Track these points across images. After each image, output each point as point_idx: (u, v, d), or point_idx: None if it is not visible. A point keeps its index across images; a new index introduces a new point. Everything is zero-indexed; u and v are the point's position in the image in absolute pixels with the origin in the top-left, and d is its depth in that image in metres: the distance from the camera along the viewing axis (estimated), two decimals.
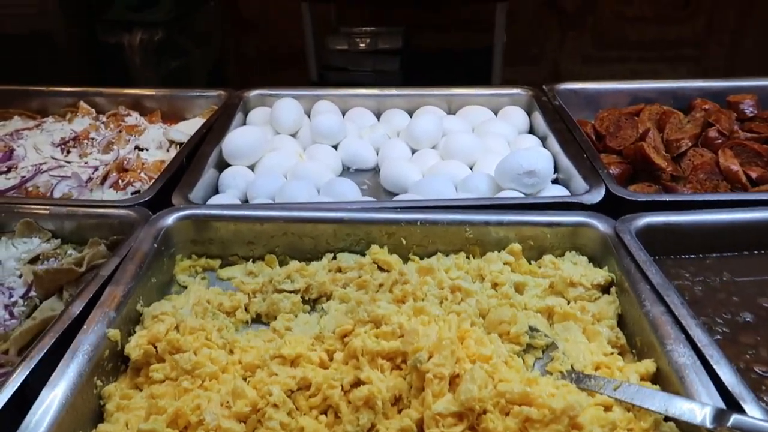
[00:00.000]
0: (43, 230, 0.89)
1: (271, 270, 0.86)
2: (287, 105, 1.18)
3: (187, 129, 1.20)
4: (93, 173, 1.06)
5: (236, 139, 1.06)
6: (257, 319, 0.80)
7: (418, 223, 0.85)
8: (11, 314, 0.76)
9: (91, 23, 3.19)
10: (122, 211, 0.88)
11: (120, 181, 1.05)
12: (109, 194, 1.03)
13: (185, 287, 0.83)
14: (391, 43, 3.32)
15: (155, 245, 0.80)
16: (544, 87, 1.28)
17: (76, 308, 0.69)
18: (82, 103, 1.30)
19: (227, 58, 4.02)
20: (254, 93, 1.28)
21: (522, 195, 0.95)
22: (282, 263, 0.87)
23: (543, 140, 1.14)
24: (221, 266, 0.88)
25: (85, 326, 0.66)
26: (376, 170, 1.13)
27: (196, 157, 1.02)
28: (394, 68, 3.35)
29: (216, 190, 1.03)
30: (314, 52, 3.31)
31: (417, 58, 3.42)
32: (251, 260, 0.87)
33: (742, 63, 3.58)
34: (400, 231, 0.85)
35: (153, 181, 0.95)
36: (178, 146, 1.17)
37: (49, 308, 0.76)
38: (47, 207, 0.90)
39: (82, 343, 0.64)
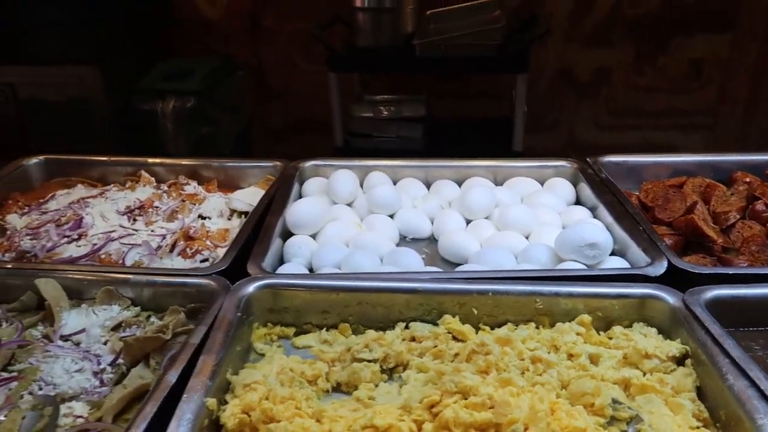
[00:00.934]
0: (122, 298, 0.92)
1: (346, 338, 0.88)
2: (344, 176, 1.23)
3: (246, 198, 1.25)
4: (161, 241, 1.10)
5: (299, 210, 1.11)
6: (337, 388, 0.81)
7: (490, 294, 0.87)
8: (101, 381, 0.78)
9: (128, 91, 3.34)
10: (201, 280, 0.91)
11: (188, 249, 1.08)
12: (177, 262, 1.06)
13: (262, 355, 0.85)
14: (415, 111, 3.44)
15: (239, 314, 0.82)
16: (588, 159, 1.33)
17: (172, 377, 0.71)
18: (143, 172, 1.36)
19: (252, 126, 4.16)
20: (309, 164, 1.33)
21: (583, 266, 0.98)
22: (355, 332, 0.89)
23: (592, 211, 1.18)
24: (295, 334, 0.90)
25: (185, 395, 0.68)
26: (430, 239, 1.16)
27: (263, 227, 1.05)
28: (417, 135, 3.45)
29: (281, 259, 1.06)
30: (340, 120, 3.42)
31: (439, 125, 3.52)
32: (325, 328, 0.90)
33: (755, 132, 3.67)
34: (471, 301, 0.88)
35: (226, 250, 0.99)
36: (239, 215, 1.21)
37: (138, 376, 0.78)
38: (127, 275, 0.93)
39: (185, 411, 0.66)
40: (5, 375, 0.79)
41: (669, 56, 3.70)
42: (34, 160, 1.39)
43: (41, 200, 1.31)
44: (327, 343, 0.87)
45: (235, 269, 0.95)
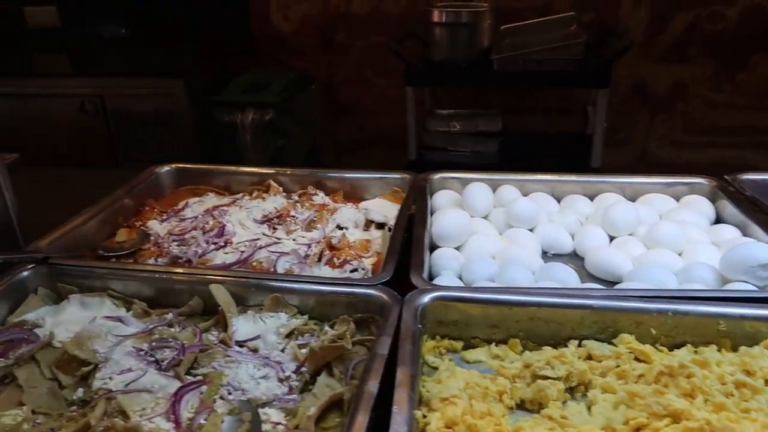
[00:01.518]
0: (288, 305, 0.93)
1: (518, 355, 0.87)
2: (480, 189, 1.23)
3: (378, 209, 1.26)
4: (308, 250, 1.11)
5: (445, 223, 1.10)
6: (520, 406, 0.79)
7: (670, 314, 0.85)
8: (290, 389, 0.79)
9: (208, 103, 3.44)
10: (370, 290, 0.91)
11: (335, 259, 1.09)
12: (326, 271, 1.07)
13: (434, 368, 0.85)
14: (490, 126, 3.42)
15: (418, 325, 0.82)
16: (726, 177, 1.29)
17: (373, 387, 0.71)
18: (271, 182, 1.38)
19: (322, 139, 4.22)
20: (438, 176, 1.33)
21: (753, 287, 0.94)
22: (524, 348, 0.88)
23: (742, 230, 1.14)
24: (463, 348, 0.89)
25: (395, 407, 0.68)
26: (571, 255, 1.14)
27: (414, 239, 1.05)
28: (493, 150, 3.44)
29: (429, 271, 1.06)
30: (415, 133, 3.43)
31: (513, 140, 3.50)
32: (494, 343, 0.89)
33: None
34: (650, 320, 0.85)
35: (377, 261, 0.99)
36: (377, 226, 1.21)
37: (325, 385, 0.79)
38: (294, 283, 0.94)
39: (399, 424, 0.65)
40: (192, 378, 0.81)
41: (747, 73, 3.60)
42: (165, 169, 1.43)
43: (175, 207, 1.35)
44: (498, 358, 0.86)
45: (392, 280, 0.95)
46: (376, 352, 0.77)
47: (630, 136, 3.83)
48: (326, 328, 0.89)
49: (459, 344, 0.89)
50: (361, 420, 0.66)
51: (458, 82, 3.44)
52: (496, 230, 1.18)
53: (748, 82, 3.54)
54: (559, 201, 1.29)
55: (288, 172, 1.42)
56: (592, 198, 1.28)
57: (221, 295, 0.93)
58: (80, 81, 3.31)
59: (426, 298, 0.87)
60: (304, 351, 0.85)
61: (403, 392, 0.70)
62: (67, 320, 0.94)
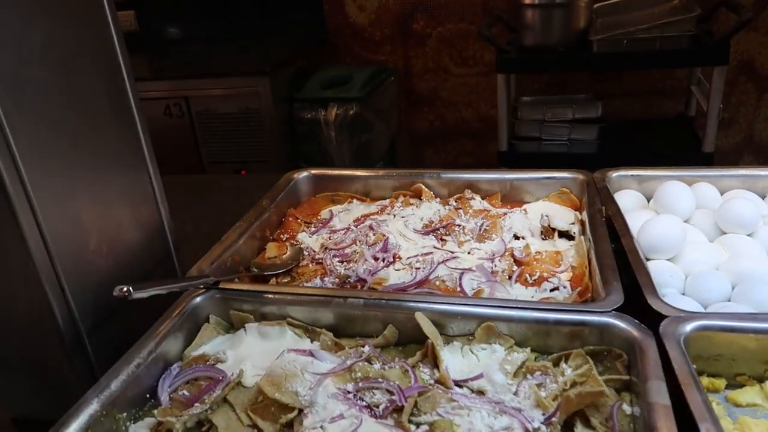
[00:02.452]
0: (504, 336, 0.80)
1: None
2: (680, 189, 1.06)
3: (550, 214, 1.11)
4: (492, 265, 0.98)
5: (659, 231, 0.95)
6: None
7: None
8: None
9: (291, 101, 3.37)
10: (605, 319, 0.76)
11: (527, 275, 0.95)
12: (519, 290, 0.93)
13: None
14: (588, 112, 3.22)
15: (693, 366, 0.67)
16: None
17: None
18: (422, 186, 1.25)
19: (402, 132, 4.10)
20: (616, 174, 1.17)
21: None
22: None
23: None
24: (726, 387, 0.74)
25: None
26: None
27: (628, 251, 0.90)
28: (592, 137, 3.23)
29: None
30: (507, 123, 3.27)
31: (614, 127, 3.29)
32: (766, 381, 0.73)
33: None
34: None
35: (604, 280, 0.84)
36: (555, 234, 1.07)
37: None
38: (512, 310, 0.80)
39: None
40: (417, 429, 0.68)
41: None
42: (302, 175, 1.32)
43: (320, 217, 1.24)
44: None
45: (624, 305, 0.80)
46: (654, 402, 0.63)
47: (735, 117, 3.54)
48: (564, 366, 0.74)
49: (721, 383, 0.74)
50: None
51: (555, 68, 3.25)
52: (704, 236, 1.02)
53: None
54: (763, 198, 1.11)
55: (435, 175, 1.29)
56: None
57: (427, 325, 0.80)
58: (164, 84, 3.29)
59: (688, 328, 0.72)
60: (543, 393, 0.71)
61: None
62: (249, 354, 0.84)
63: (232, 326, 0.91)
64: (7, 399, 0.86)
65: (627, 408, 0.69)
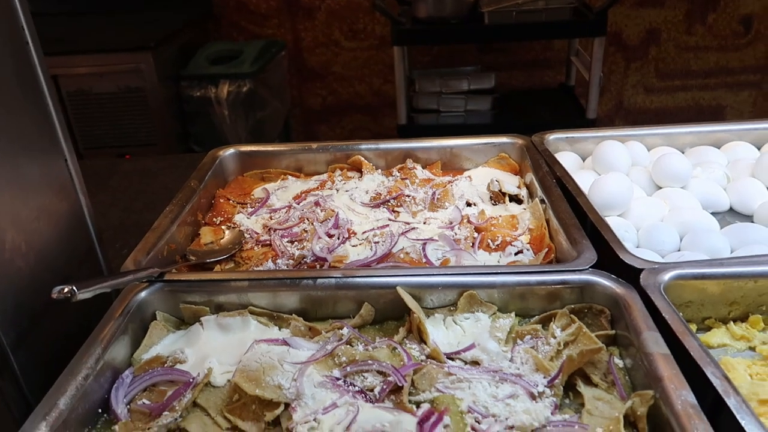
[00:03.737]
0: (486, 304, 0.78)
1: (762, 333, 0.76)
2: (616, 148, 1.10)
3: (502, 179, 1.11)
4: (454, 234, 0.95)
5: (610, 189, 0.97)
6: None
7: None
8: (555, 407, 0.64)
9: (177, 78, 3.14)
10: (584, 276, 0.77)
11: (489, 241, 0.94)
12: (483, 257, 0.92)
13: None
14: (483, 83, 3.31)
15: (679, 313, 0.69)
16: None
17: (689, 397, 0.58)
18: (362, 158, 1.20)
19: (295, 109, 3.99)
20: (552, 137, 1.19)
21: None
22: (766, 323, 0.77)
23: None
24: (697, 331, 0.78)
25: (741, 417, 0.55)
26: (728, 213, 1.04)
27: (587, 210, 0.91)
28: (486, 108, 3.33)
29: None
30: (405, 96, 3.27)
31: (506, 97, 3.41)
32: (731, 322, 0.77)
33: None
34: None
35: (571, 239, 0.84)
36: (506, 198, 1.06)
37: (595, 398, 0.65)
38: (491, 276, 0.78)
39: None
40: (421, 409, 0.64)
41: (719, 13, 3.64)
42: (228, 152, 1.21)
43: (252, 196, 1.15)
44: (744, 339, 0.75)
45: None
46: (654, 352, 0.64)
47: (606, 85, 3.82)
48: (553, 327, 0.74)
49: (692, 328, 0.77)
50: None
51: (450, 40, 3.28)
52: (642, 191, 1.06)
53: (720, 22, 3.58)
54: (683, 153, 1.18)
55: (372, 147, 1.23)
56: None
57: (409, 299, 0.76)
58: None
59: (666, 278, 0.74)
60: (540, 357, 0.70)
61: (737, 402, 0.57)
62: (212, 350, 0.75)
63: (183, 322, 0.81)
64: None
65: (619, 361, 0.70)
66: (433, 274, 0.79)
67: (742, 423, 0.54)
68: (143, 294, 0.78)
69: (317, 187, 1.14)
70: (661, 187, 1.06)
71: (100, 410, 0.67)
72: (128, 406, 0.67)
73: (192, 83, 3.15)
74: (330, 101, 4.12)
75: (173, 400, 0.66)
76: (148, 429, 0.63)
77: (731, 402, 0.56)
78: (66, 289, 0.63)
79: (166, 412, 0.65)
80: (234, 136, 3.25)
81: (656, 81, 3.82)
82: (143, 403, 0.67)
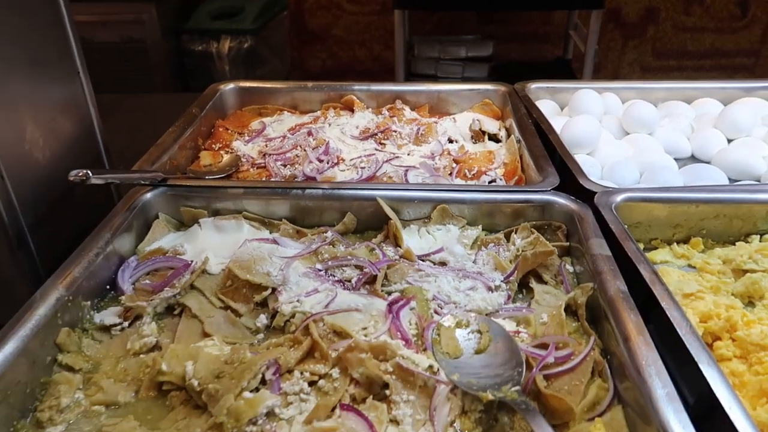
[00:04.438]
0: (456, 217, 0.87)
1: (702, 253, 0.85)
2: (590, 96, 1.18)
3: (486, 121, 1.19)
4: (434, 163, 1.04)
5: (580, 129, 1.05)
6: None
7: None
8: (508, 297, 0.73)
9: (178, 32, 3.16)
10: (546, 197, 0.85)
11: (466, 170, 1.02)
12: (460, 184, 1.00)
13: None
14: (481, 51, 3.36)
15: (626, 227, 0.78)
16: None
17: (621, 286, 0.67)
18: (354, 98, 1.27)
19: (294, 71, 4.02)
20: (535, 86, 1.27)
21: None
22: (705, 246, 0.86)
23: None
24: (644, 249, 0.86)
25: (665, 304, 0.64)
26: (690, 159, 1.13)
27: (557, 146, 1.00)
28: (483, 75, 3.39)
29: None
30: (404, 61, 3.32)
31: (503, 66, 3.46)
32: (674, 243, 0.86)
33: None
34: None
35: (538, 168, 0.93)
36: (486, 136, 1.15)
37: (544, 291, 0.74)
38: (464, 193, 0.87)
39: (679, 320, 0.62)
40: (397, 296, 0.73)
41: None
42: (228, 87, 1.28)
43: (251, 128, 1.22)
44: (684, 257, 0.84)
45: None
46: (597, 254, 0.73)
47: (603, 61, 3.87)
48: (514, 236, 0.82)
49: (639, 246, 0.86)
50: (635, 319, 0.62)
51: (450, 6, 3.33)
52: (612, 135, 1.14)
53: (717, 4, 3.63)
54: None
55: (364, 88, 1.31)
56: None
57: (388, 208, 0.84)
58: None
59: (618, 199, 0.82)
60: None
61: (661, 290, 0.66)
62: (209, 246, 0.83)
63: (183, 224, 0.90)
64: None
65: (570, 268, 0.79)
66: (411, 189, 0.88)
67: (666, 309, 0.63)
68: (148, 195, 0.86)
69: (311, 122, 1.22)
70: (628, 134, 1.14)
71: (108, 287, 0.76)
72: (133, 285, 0.76)
73: (193, 37, 3.19)
74: (329, 64, 4.15)
75: (173, 278, 0.75)
76: (151, 300, 0.72)
77: (657, 290, 0.65)
78: (81, 173, 0.71)
79: (167, 288, 0.73)
80: None
81: (652, 60, 3.88)
82: (146, 283, 0.76)
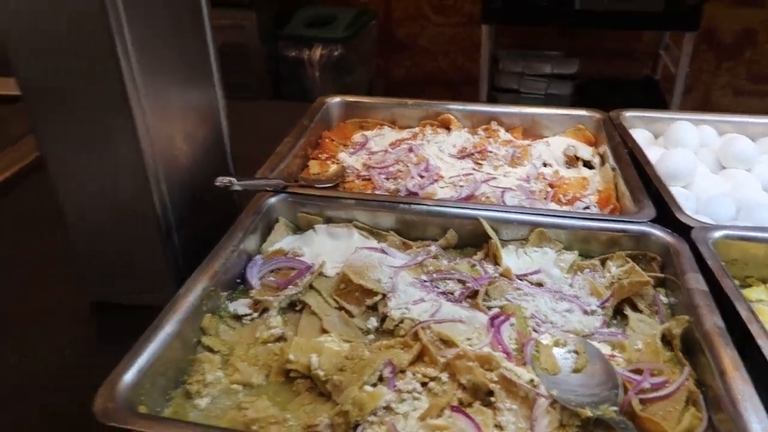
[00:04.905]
0: (554, 241, 0.92)
1: None
2: (689, 128, 1.20)
3: (581, 148, 1.23)
4: (530, 186, 1.09)
5: (676, 161, 1.08)
6: None
7: None
8: (603, 322, 0.78)
9: (275, 38, 3.32)
10: (644, 228, 0.89)
11: (561, 196, 1.07)
12: (553, 208, 1.05)
13: None
14: (566, 68, 3.35)
15: (722, 263, 0.81)
16: None
17: (718, 321, 0.70)
18: (451, 116, 1.34)
19: (378, 78, 4.13)
20: (629, 114, 1.29)
21: None
22: None
23: None
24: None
25: (761, 342, 0.67)
26: None
27: (652, 177, 1.03)
28: (566, 93, 3.37)
29: None
30: (488, 74, 3.35)
31: (589, 84, 3.43)
32: None
33: None
34: None
35: (634, 199, 0.96)
36: (580, 162, 1.19)
37: (638, 320, 0.78)
38: (561, 218, 0.92)
39: None
40: (497, 311, 0.80)
41: None
42: (335, 100, 1.38)
43: (353, 140, 1.31)
44: None
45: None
46: (693, 288, 0.76)
47: (695, 83, 3.76)
48: (609, 264, 0.87)
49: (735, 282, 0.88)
50: (731, 354, 0.65)
51: (538, 21, 3.34)
52: (708, 170, 1.16)
53: None
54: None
55: (459, 107, 1.37)
56: None
57: (488, 228, 0.91)
58: None
59: (715, 235, 0.85)
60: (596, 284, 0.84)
61: (758, 328, 0.69)
62: (323, 250, 0.92)
63: (299, 228, 0.99)
64: (88, 284, 0.91)
65: (664, 299, 0.83)
66: (510, 212, 0.94)
67: (762, 347, 0.66)
68: (271, 200, 0.96)
69: (410, 138, 1.30)
70: (726, 168, 1.15)
71: (238, 281, 0.86)
72: (260, 281, 0.86)
73: (288, 43, 3.35)
74: (412, 73, 4.24)
75: (297, 278, 0.84)
76: (277, 296, 0.81)
77: (753, 328, 0.68)
78: (226, 180, 0.82)
79: (291, 286, 0.83)
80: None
81: (747, 84, 3.74)
82: (271, 280, 0.86)
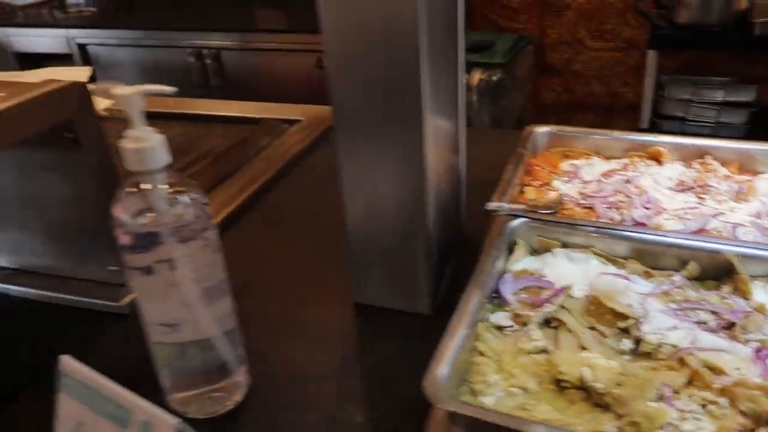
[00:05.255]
0: None
1: None
2: None
3: None
4: (763, 224, 1.09)
5: None
6: None
7: None
8: None
9: None
10: None
11: None
12: None
13: None
14: (742, 95, 3.19)
15: None
16: None
17: None
18: (663, 149, 1.36)
19: (528, 102, 4.16)
20: None
21: None
22: None
23: None
24: None
25: None
26: None
27: None
28: (740, 122, 3.21)
29: None
30: (651, 100, 3.27)
31: (761, 112, 3.24)
32: None
33: None
34: None
35: None
36: None
37: None
38: None
39: None
40: (759, 345, 0.82)
41: None
42: (542, 129, 1.46)
43: (564, 169, 1.38)
44: None
45: None
46: None
47: None
48: None
49: None
50: None
51: (712, 48, 3.22)
52: None
53: None
54: None
55: (668, 140, 1.39)
56: None
57: (738, 264, 0.93)
58: (313, 36, 3.44)
59: None
60: None
61: None
62: (565, 273, 0.99)
63: (536, 251, 1.07)
64: (359, 287, 1.05)
65: None
66: (756, 248, 0.95)
67: None
68: (514, 224, 1.05)
69: (621, 168, 1.34)
70: None
71: (493, 294, 0.96)
72: (514, 296, 0.94)
73: None
74: (564, 98, 4.23)
75: (553, 297, 0.92)
76: (536, 311, 0.90)
77: None
78: (496, 204, 0.91)
79: (547, 304, 0.91)
80: (477, 122, 3.53)
81: None
82: (525, 296, 0.94)
